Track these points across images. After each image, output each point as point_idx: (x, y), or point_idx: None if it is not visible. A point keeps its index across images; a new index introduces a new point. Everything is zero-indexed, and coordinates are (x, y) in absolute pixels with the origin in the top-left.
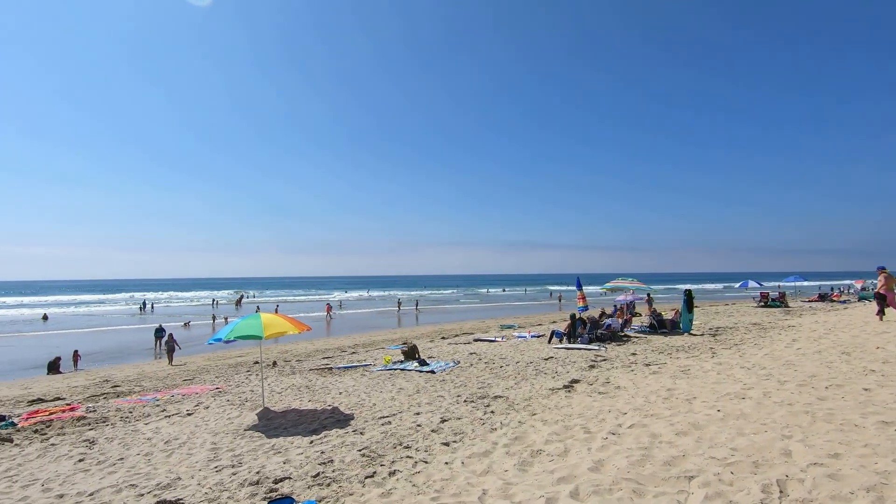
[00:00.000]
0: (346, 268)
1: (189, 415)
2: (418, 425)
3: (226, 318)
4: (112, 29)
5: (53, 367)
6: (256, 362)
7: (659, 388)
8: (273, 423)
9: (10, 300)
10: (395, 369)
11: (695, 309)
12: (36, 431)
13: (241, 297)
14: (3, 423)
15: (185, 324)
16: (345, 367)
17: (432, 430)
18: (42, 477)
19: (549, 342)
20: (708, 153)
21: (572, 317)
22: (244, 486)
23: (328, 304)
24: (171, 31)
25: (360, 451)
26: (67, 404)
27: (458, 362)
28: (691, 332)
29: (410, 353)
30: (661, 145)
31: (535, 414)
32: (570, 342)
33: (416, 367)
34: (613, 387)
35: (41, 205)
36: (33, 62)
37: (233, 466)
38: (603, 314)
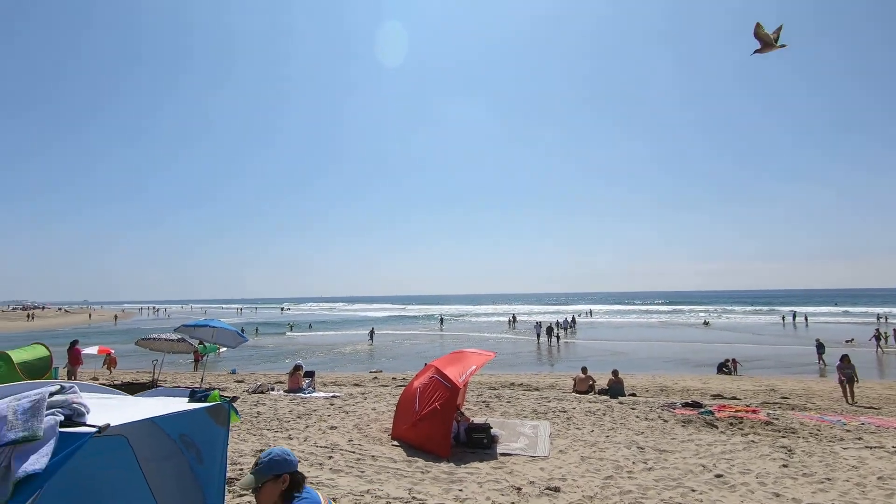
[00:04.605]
0: None
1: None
2: None
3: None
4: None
5: (722, 367)
6: None
7: None
8: None
9: (681, 307)
10: None
11: None
12: (731, 425)
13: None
14: (703, 410)
15: (847, 341)
16: None
17: None
18: (754, 469)
19: None
20: None
21: None
22: None
23: None
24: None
25: None
26: (746, 405)
27: None
28: None
29: None
30: None
31: None
32: None
33: None
34: None
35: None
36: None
37: None
38: None
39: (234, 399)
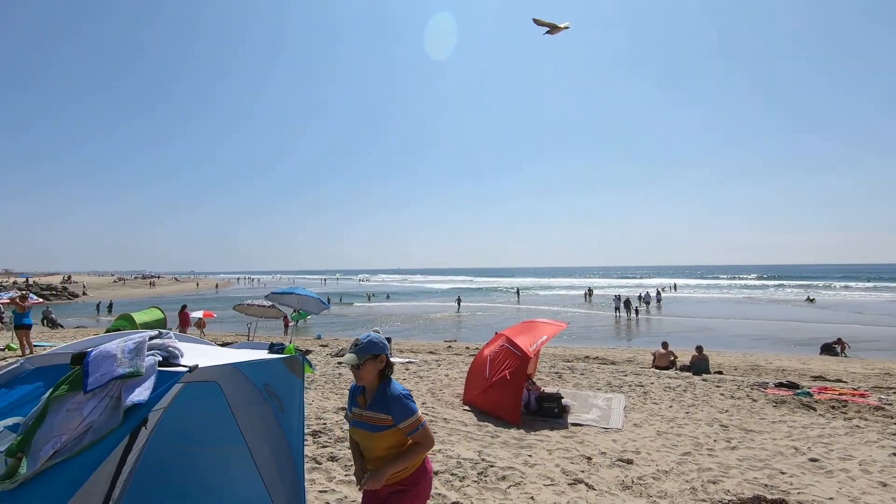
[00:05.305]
0: None
1: None
2: None
3: None
4: None
5: (827, 348)
6: None
7: None
8: None
9: (784, 282)
10: None
11: None
12: (833, 408)
13: None
14: (800, 391)
15: None
16: None
17: None
18: (856, 456)
19: None
20: None
21: None
22: None
23: None
24: None
25: None
26: (854, 389)
27: None
28: None
29: None
30: None
31: None
32: None
33: None
34: None
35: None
36: None
37: None
38: None
39: (308, 352)
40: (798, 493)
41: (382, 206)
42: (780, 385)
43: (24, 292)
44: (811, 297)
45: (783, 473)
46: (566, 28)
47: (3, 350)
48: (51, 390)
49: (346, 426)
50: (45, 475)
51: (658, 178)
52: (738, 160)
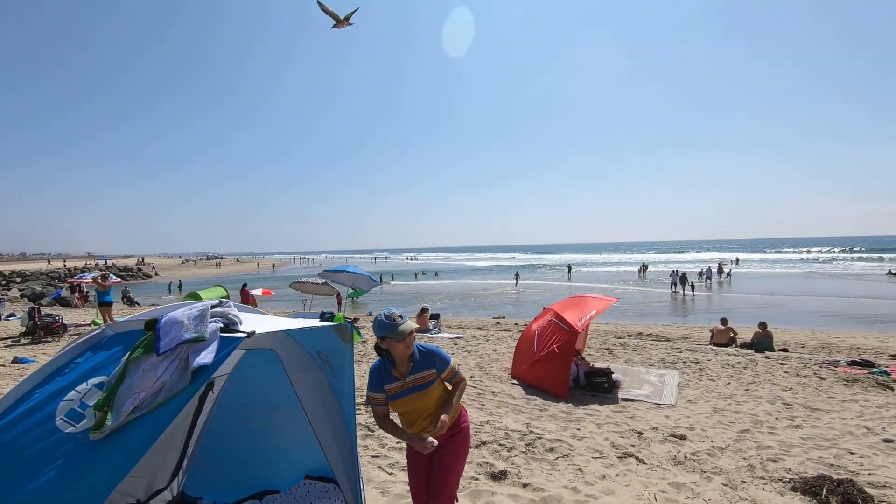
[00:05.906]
0: None
1: None
2: None
3: None
4: None
5: None
6: None
7: None
8: None
9: (863, 255)
10: None
11: None
12: None
13: None
14: (876, 370)
15: None
16: None
17: None
18: None
19: None
20: None
21: None
22: None
23: None
24: None
25: None
26: None
27: None
28: None
29: None
30: None
31: None
32: None
33: None
34: None
35: None
36: None
37: None
38: None
39: (356, 321)
40: (869, 473)
41: (451, 186)
42: (852, 363)
43: (104, 272)
44: (893, 271)
45: (852, 454)
46: (349, 24)
47: (90, 325)
48: (129, 353)
49: None
50: (127, 427)
51: (732, 136)
52: (830, 117)
